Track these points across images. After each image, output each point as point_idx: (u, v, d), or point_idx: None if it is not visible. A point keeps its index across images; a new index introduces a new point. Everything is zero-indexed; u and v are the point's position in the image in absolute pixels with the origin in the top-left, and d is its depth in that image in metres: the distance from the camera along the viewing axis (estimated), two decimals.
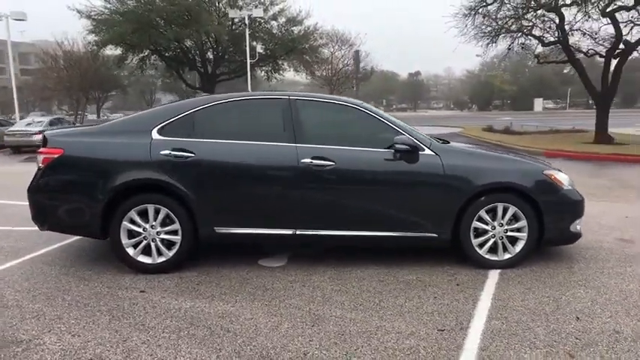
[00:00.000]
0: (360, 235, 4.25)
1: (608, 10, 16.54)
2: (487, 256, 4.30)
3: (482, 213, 4.24)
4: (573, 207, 4.37)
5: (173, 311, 3.49)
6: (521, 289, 3.88)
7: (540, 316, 3.41)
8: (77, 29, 39.84)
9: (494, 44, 21.08)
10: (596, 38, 19.47)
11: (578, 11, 18.52)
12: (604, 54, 18.55)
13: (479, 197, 4.22)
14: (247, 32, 25.64)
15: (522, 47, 22.05)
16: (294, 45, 28.28)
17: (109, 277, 4.13)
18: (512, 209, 4.24)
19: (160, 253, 4.19)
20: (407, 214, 4.24)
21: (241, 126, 4.38)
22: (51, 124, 19.36)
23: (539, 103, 61.15)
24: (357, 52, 38.69)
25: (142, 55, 27.83)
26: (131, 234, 4.16)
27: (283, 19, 28.52)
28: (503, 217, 4.25)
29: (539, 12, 18.76)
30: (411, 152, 4.18)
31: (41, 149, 4.25)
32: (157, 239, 4.16)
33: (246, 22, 25.43)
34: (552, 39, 19.90)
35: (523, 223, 4.26)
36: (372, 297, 3.75)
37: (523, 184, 4.24)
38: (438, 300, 3.69)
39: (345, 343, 3.05)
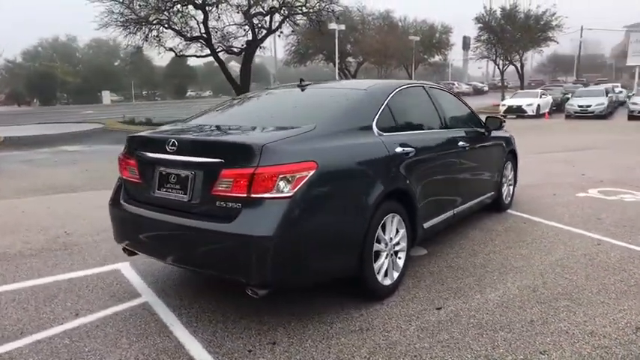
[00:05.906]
0: (475, 202, 4.93)
1: (248, 14, 19.55)
2: (506, 202, 5.85)
3: (505, 170, 5.74)
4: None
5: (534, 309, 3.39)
6: (576, 215, 5.61)
7: (633, 221, 5.31)
8: None
9: (133, 34, 20.82)
10: (225, 36, 22.49)
11: (210, 10, 20.84)
12: (236, 50, 21.85)
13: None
14: None
15: (157, 40, 22.67)
16: None
17: (341, 316, 3.22)
18: (510, 164, 5.92)
19: (392, 268, 3.58)
20: (495, 178, 5.33)
21: (416, 114, 4.16)
22: None
23: (106, 96, 60.59)
24: None
25: None
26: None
27: None
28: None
29: (184, 8, 19.84)
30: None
31: (274, 166, 2.71)
32: (393, 253, 3.54)
33: None
34: (190, 35, 21.53)
35: (512, 172, 6.03)
36: (534, 246, 4.63)
37: (515, 144, 6.01)
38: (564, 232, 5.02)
39: (607, 269, 4.05)
